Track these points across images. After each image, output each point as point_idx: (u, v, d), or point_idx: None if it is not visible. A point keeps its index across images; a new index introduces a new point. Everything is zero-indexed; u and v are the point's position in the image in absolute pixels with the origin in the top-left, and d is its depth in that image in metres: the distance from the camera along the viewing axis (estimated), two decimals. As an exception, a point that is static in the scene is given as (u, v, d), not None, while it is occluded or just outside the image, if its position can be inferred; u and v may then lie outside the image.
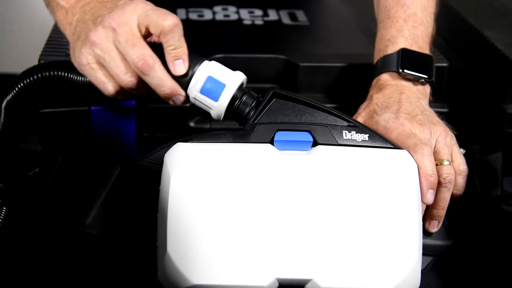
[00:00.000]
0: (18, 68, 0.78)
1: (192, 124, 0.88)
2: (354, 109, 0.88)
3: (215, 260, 0.58)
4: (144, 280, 0.66)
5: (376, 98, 0.74)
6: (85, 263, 0.70)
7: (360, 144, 0.63)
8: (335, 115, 0.65)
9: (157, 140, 0.86)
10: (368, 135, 0.63)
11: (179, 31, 0.65)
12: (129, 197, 0.67)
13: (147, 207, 0.63)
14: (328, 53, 0.94)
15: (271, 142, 0.62)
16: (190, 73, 0.66)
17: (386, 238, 0.59)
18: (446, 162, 0.67)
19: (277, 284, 0.59)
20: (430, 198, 0.64)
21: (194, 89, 0.66)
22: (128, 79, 0.65)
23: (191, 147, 0.61)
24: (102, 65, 0.66)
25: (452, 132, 0.71)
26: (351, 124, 0.64)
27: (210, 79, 0.66)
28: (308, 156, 0.61)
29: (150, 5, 0.66)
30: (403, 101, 0.72)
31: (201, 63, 0.67)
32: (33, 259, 0.71)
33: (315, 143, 0.63)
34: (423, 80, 0.76)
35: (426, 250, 0.63)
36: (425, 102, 0.75)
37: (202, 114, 0.84)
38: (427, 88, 0.77)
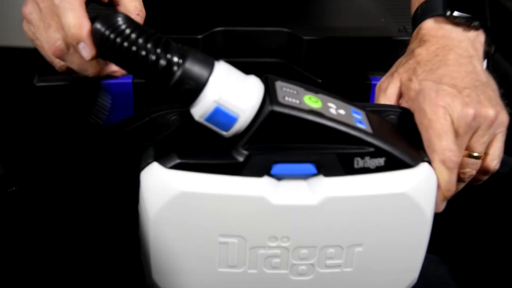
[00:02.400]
0: (17, 41, 0.76)
1: (192, 100, 0.85)
2: (360, 88, 0.84)
3: None
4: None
5: (419, 54, 0.63)
6: (69, 264, 0.66)
7: (373, 170, 0.53)
8: (347, 134, 0.52)
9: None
10: (385, 158, 0.52)
11: None
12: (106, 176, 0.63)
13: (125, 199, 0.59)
14: (335, 25, 0.90)
15: (268, 173, 0.53)
16: (193, 83, 0.50)
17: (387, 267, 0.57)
18: (475, 154, 0.59)
19: None
20: (442, 208, 0.59)
21: (197, 114, 0.51)
22: None
23: (173, 176, 0.52)
24: None
25: (508, 110, 0.60)
26: (364, 149, 0.52)
27: (218, 110, 0.50)
28: (309, 198, 0.52)
29: None
30: (450, 64, 0.61)
31: (209, 78, 0.50)
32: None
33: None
34: (476, 24, 0.63)
35: None
36: (478, 62, 0.62)
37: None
38: (480, 36, 0.64)
